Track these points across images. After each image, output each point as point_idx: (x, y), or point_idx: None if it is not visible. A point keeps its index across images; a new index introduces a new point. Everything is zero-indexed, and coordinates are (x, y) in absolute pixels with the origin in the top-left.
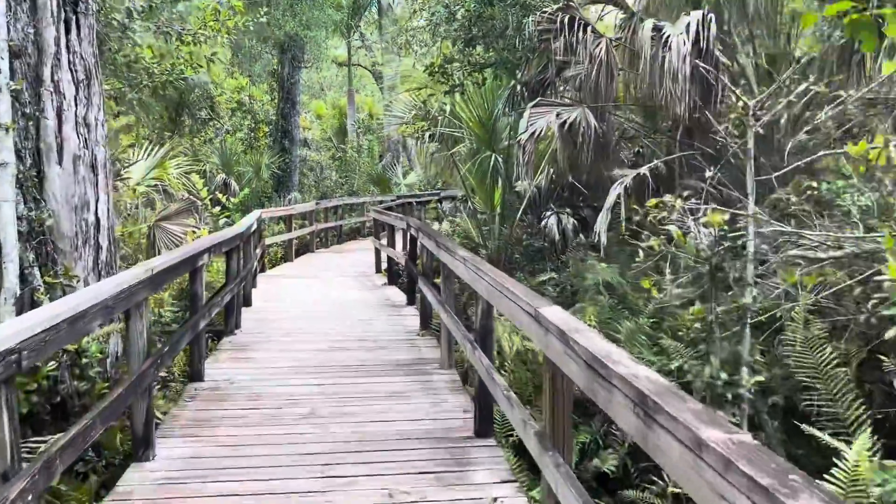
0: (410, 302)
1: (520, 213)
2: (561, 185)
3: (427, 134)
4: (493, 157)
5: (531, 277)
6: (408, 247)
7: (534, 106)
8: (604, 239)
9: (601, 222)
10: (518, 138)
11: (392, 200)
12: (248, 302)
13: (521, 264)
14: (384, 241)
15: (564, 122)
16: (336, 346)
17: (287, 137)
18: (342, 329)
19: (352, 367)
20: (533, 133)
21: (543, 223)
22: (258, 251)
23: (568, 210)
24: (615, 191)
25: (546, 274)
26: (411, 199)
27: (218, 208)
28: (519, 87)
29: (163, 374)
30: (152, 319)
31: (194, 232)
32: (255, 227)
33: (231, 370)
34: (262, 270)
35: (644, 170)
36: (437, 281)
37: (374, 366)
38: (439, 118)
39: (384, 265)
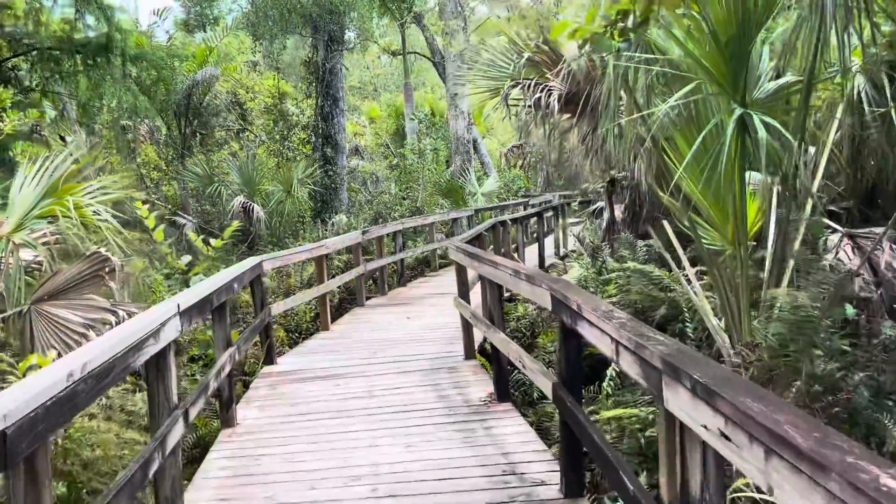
0: (573, 481)
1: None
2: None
3: (553, 96)
4: (753, 121)
5: None
6: (562, 353)
7: None
8: None
9: None
10: None
11: (469, 216)
12: None
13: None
14: (478, 308)
15: None
16: None
17: (329, 144)
18: None
19: None
20: None
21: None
22: (233, 352)
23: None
24: None
25: None
26: (500, 211)
27: (184, 261)
28: None
29: None
30: None
31: (106, 321)
32: (175, 325)
33: None
34: (271, 361)
35: None
36: None
37: None
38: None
39: (476, 335)
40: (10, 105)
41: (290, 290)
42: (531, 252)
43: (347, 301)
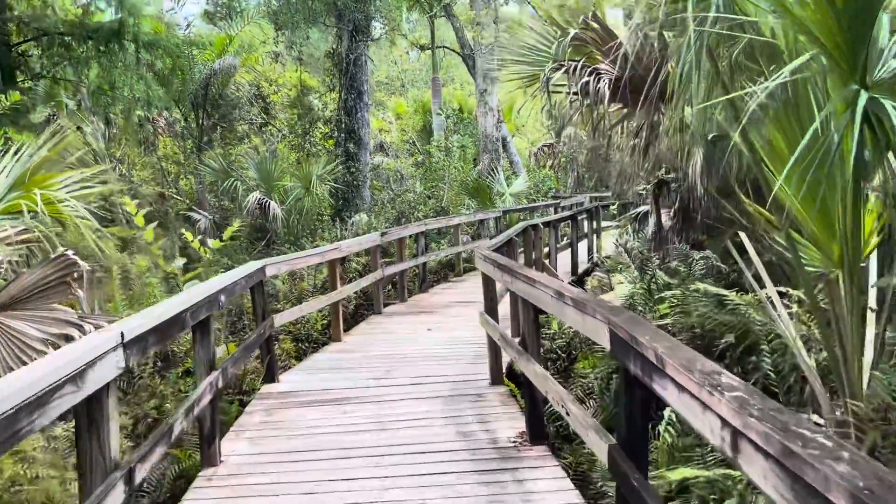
0: None
1: None
2: None
3: (603, 80)
4: (883, 108)
5: None
6: (624, 408)
7: None
8: None
9: None
10: None
11: (496, 217)
12: None
13: None
14: (505, 320)
15: None
16: None
17: (353, 139)
18: None
19: None
20: None
21: None
22: (216, 378)
23: None
24: None
25: None
26: (529, 213)
27: (178, 265)
28: None
29: None
30: None
31: (69, 336)
32: (115, 361)
33: None
34: (272, 379)
35: None
36: None
37: None
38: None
39: (505, 357)
40: None
41: (302, 294)
42: (564, 258)
43: (364, 307)
